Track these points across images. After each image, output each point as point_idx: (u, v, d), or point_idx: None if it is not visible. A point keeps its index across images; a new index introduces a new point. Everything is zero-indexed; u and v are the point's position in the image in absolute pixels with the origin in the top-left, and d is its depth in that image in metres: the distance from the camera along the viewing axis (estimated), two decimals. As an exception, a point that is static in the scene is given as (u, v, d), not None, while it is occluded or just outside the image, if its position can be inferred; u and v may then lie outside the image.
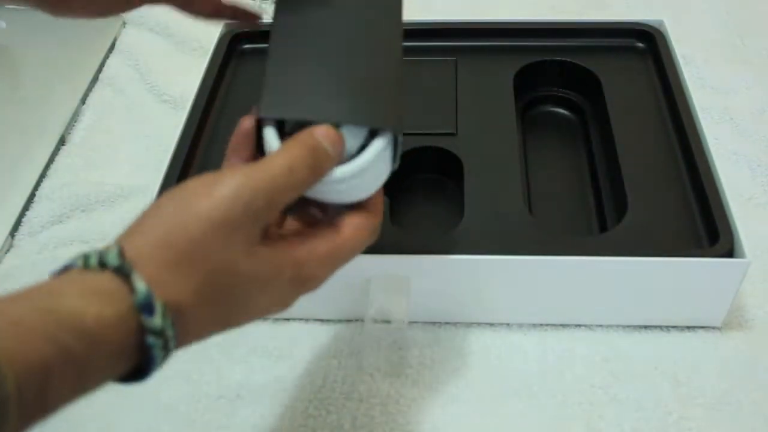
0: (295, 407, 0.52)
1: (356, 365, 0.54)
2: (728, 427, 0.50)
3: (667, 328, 0.56)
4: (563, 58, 0.69)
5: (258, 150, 0.41)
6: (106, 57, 0.84)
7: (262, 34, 0.72)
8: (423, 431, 0.51)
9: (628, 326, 0.56)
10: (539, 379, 0.53)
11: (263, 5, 0.88)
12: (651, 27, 0.70)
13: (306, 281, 0.39)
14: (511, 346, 0.55)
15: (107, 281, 0.32)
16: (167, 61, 0.83)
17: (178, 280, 0.33)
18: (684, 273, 0.52)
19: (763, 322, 0.57)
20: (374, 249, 0.53)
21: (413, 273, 0.53)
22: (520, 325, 0.56)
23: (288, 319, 0.57)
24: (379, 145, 0.41)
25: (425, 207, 0.62)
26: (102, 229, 0.65)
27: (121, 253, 0.32)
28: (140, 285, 0.32)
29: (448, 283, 0.54)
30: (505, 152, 0.61)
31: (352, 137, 0.41)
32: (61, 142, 0.75)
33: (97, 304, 0.31)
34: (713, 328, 0.56)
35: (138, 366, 0.33)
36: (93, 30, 0.86)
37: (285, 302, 0.39)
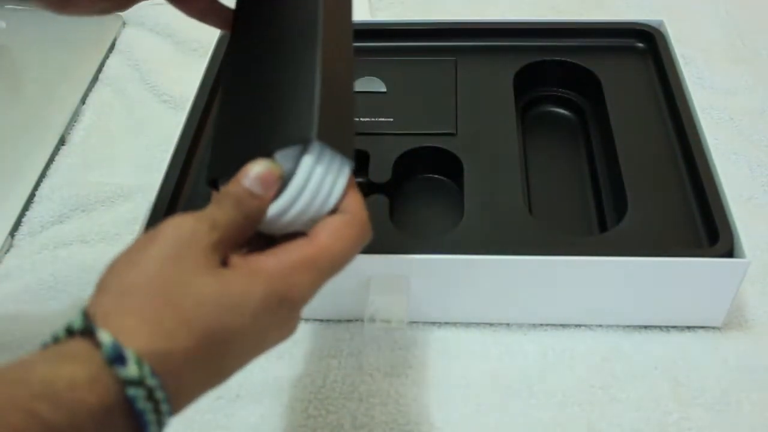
0: (294, 407, 0.52)
1: (356, 365, 0.54)
2: (728, 427, 0.50)
3: (667, 328, 0.56)
4: (563, 58, 0.69)
5: None
6: (106, 57, 0.84)
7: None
8: (423, 431, 0.51)
9: (628, 326, 0.56)
10: (539, 379, 0.53)
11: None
12: (651, 27, 0.70)
13: (285, 295, 0.36)
14: (511, 346, 0.55)
15: (76, 345, 0.30)
16: (167, 61, 0.83)
17: (147, 325, 0.31)
18: (684, 273, 0.52)
19: (763, 322, 0.57)
20: (374, 249, 0.54)
21: (413, 273, 0.53)
22: (520, 325, 0.56)
23: (288, 319, 0.57)
24: (308, 162, 0.38)
25: (425, 207, 0.62)
26: (102, 230, 0.65)
27: (85, 315, 0.31)
28: (105, 337, 0.30)
29: (448, 283, 0.54)
30: (505, 152, 0.61)
31: (287, 162, 0.39)
32: (61, 142, 0.75)
33: (68, 367, 0.29)
34: (713, 328, 0.56)
35: None
36: (93, 30, 0.86)
37: (274, 327, 0.37)
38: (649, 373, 0.53)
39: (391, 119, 0.64)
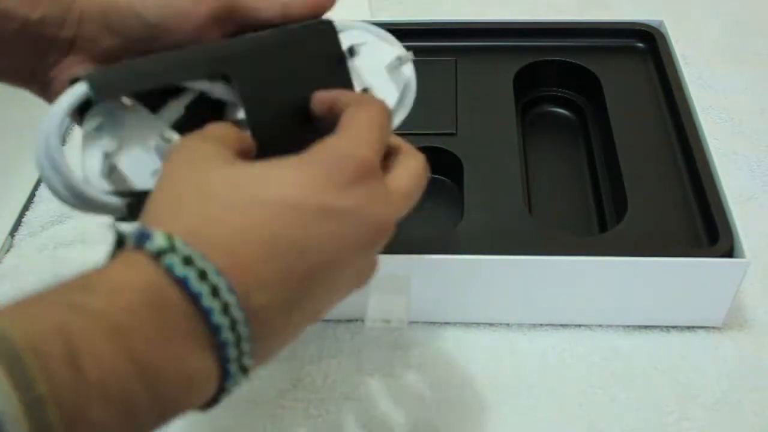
0: (295, 407, 0.52)
1: (356, 365, 0.54)
2: (728, 427, 0.50)
3: (667, 328, 0.56)
4: (563, 58, 0.69)
5: None
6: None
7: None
8: (423, 431, 0.51)
9: (628, 326, 0.56)
10: (539, 379, 0.53)
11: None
12: (651, 27, 0.70)
13: (357, 170, 0.32)
14: (511, 346, 0.55)
15: (126, 256, 0.28)
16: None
17: (198, 226, 0.28)
18: (684, 273, 0.52)
19: (763, 322, 0.57)
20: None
21: (413, 273, 0.53)
22: (520, 325, 0.56)
23: (288, 319, 0.57)
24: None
25: (425, 207, 0.62)
26: (102, 230, 0.65)
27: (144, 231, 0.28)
28: (158, 236, 0.27)
29: (448, 283, 0.54)
30: (505, 152, 0.61)
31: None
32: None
33: (112, 267, 0.27)
34: (713, 328, 0.56)
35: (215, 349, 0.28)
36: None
37: (355, 233, 0.32)
38: (649, 373, 0.53)
39: (391, 119, 0.64)
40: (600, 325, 0.56)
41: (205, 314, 0.27)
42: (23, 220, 0.67)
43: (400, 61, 0.45)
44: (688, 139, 0.59)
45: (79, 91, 0.35)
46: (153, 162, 0.37)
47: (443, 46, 0.71)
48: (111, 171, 0.37)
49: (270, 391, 0.53)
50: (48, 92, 0.43)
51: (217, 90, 0.39)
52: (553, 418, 0.51)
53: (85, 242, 0.65)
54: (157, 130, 0.37)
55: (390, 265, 0.53)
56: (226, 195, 0.30)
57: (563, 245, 0.54)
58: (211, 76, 0.39)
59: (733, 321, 0.56)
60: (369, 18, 0.85)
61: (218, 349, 0.28)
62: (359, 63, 0.45)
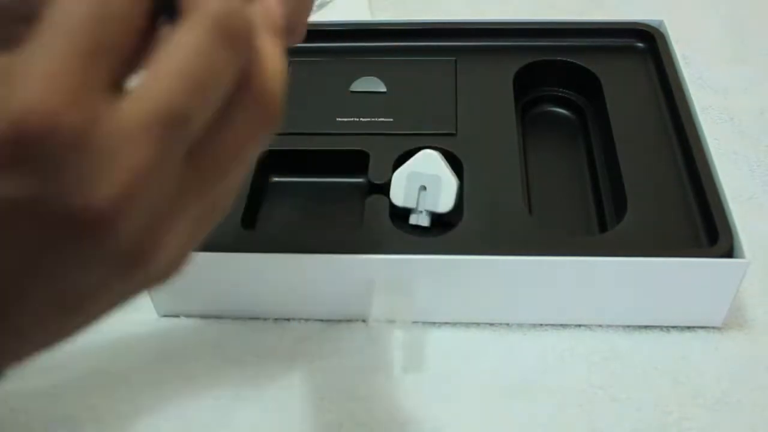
0: (295, 407, 0.52)
1: (356, 365, 0.54)
2: (728, 427, 0.50)
3: (667, 328, 0.56)
4: (563, 58, 0.69)
5: None
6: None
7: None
8: (423, 431, 0.51)
9: (628, 326, 0.56)
10: (539, 379, 0.53)
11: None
12: (651, 27, 0.70)
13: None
14: (511, 346, 0.55)
15: None
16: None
17: None
18: (684, 273, 0.52)
19: (763, 322, 0.57)
20: (375, 249, 0.54)
21: (413, 273, 0.53)
22: (520, 325, 0.56)
23: (288, 320, 0.57)
24: None
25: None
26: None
27: None
28: None
29: (448, 283, 0.54)
30: (505, 152, 0.61)
31: None
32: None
33: None
34: (713, 328, 0.56)
35: None
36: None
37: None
38: (649, 373, 0.53)
39: (391, 119, 0.64)
40: (600, 325, 0.56)
41: None
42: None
43: None
44: (688, 139, 0.59)
45: None
46: None
47: (443, 46, 0.71)
48: None
49: (271, 390, 0.53)
50: None
51: None
52: (553, 418, 0.51)
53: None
54: None
55: (390, 265, 0.53)
56: None
57: (563, 245, 0.54)
58: None
59: (733, 321, 0.56)
60: (369, 18, 0.85)
61: None
62: None
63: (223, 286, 0.56)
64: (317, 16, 0.85)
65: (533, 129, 0.68)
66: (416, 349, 0.55)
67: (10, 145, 0.19)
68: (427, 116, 0.64)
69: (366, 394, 0.53)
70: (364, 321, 0.57)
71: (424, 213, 0.58)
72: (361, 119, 0.64)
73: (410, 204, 0.58)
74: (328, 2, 0.86)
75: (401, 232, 0.56)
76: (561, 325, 0.56)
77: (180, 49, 0.21)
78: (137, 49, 0.22)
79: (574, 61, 0.69)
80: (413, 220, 0.58)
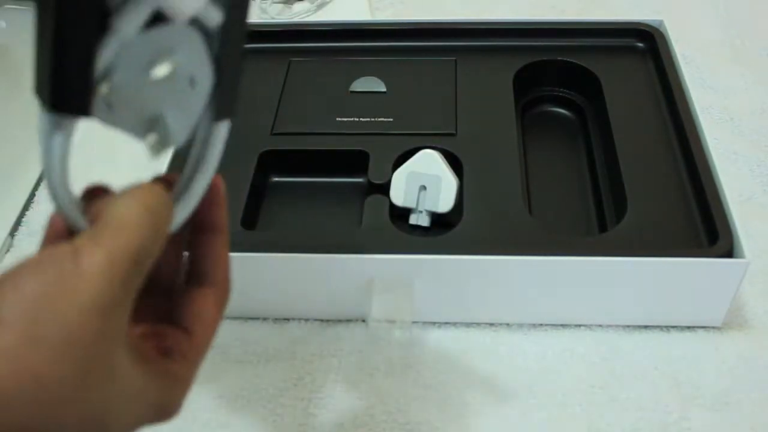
0: (295, 407, 0.52)
1: (356, 365, 0.54)
2: (728, 427, 0.50)
3: (667, 328, 0.56)
4: (563, 58, 0.69)
5: None
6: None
7: (262, 33, 0.72)
8: (423, 431, 0.51)
9: (628, 326, 0.56)
10: (539, 379, 0.53)
11: (263, 5, 0.88)
12: (651, 27, 0.70)
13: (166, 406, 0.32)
14: (511, 346, 0.55)
15: None
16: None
17: (42, 356, 0.26)
18: (684, 273, 0.52)
19: (763, 322, 0.57)
20: (375, 249, 0.54)
21: (413, 273, 0.53)
22: (520, 325, 0.56)
23: (288, 319, 0.57)
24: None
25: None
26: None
27: None
28: None
29: (448, 283, 0.54)
30: (505, 152, 0.61)
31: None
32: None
33: None
34: (713, 328, 0.56)
35: None
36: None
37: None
38: (649, 373, 0.53)
39: (391, 119, 0.64)
40: (600, 325, 0.56)
41: None
42: (23, 220, 0.67)
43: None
44: (688, 139, 0.59)
45: None
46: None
47: (443, 46, 0.71)
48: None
49: (271, 390, 0.53)
50: None
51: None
52: (553, 418, 0.51)
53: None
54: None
55: (390, 265, 0.53)
56: None
57: (563, 245, 0.54)
58: None
59: (733, 321, 0.56)
60: (369, 18, 0.85)
61: None
62: None
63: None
64: (317, 16, 0.85)
65: (533, 129, 0.68)
66: (416, 349, 0.55)
67: None
68: (427, 116, 0.64)
69: (366, 394, 0.53)
70: (364, 321, 0.57)
71: (424, 213, 0.58)
72: (361, 119, 0.64)
73: (410, 204, 0.58)
74: (328, 2, 0.86)
75: (401, 232, 0.56)
76: (561, 325, 0.56)
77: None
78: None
79: (574, 61, 0.69)
80: (413, 220, 0.58)
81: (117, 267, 0.28)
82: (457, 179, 0.58)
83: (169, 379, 0.32)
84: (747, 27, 0.85)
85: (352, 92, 0.67)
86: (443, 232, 0.56)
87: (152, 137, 0.32)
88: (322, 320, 0.57)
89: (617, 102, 0.65)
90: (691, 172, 0.58)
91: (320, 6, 0.86)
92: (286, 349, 0.56)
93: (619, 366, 0.54)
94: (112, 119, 0.31)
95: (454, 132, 0.63)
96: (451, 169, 0.58)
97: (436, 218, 0.58)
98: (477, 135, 0.62)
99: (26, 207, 0.68)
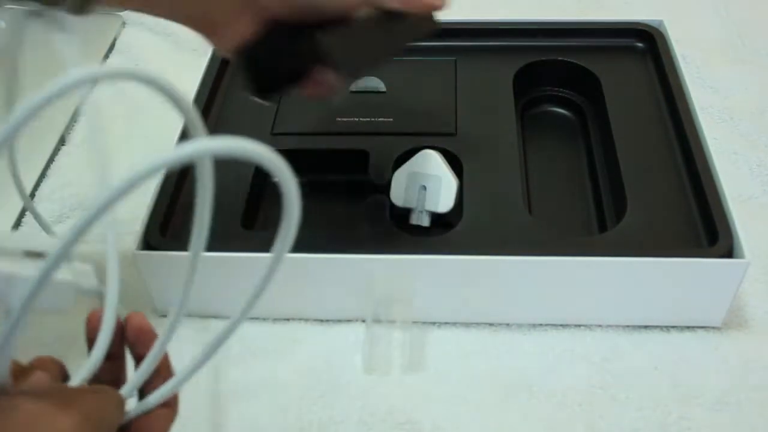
0: (295, 406, 0.52)
1: (356, 365, 0.54)
2: (728, 427, 0.50)
3: (667, 328, 0.56)
4: (563, 58, 0.69)
5: None
6: (106, 57, 0.84)
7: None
8: (423, 431, 0.51)
9: (628, 326, 0.56)
10: (539, 379, 0.53)
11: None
12: (651, 27, 0.70)
13: None
14: (511, 346, 0.55)
15: None
16: (167, 61, 0.83)
17: None
18: (684, 273, 0.52)
19: (763, 322, 0.57)
20: (375, 249, 0.54)
21: (413, 273, 0.53)
22: (520, 325, 0.56)
23: (288, 320, 0.57)
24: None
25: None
26: (102, 230, 0.65)
27: None
28: None
29: (448, 283, 0.54)
30: (505, 152, 0.61)
31: None
32: (61, 142, 0.74)
33: None
34: (713, 328, 0.56)
35: None
36: (93, 30, 0.86)
37: None
38: (649, 373, 0.53)
39: (391, 119, 0.64)
40: (600, 325, 0.56)
41: None
42: (23, 220, 0.67)
43: None
44: (688, 139, 0.59)
45: None
46: None
47: (443, 46, 0.71)
48: None
49: (270, 390, 0.53)
50: (216, 38, 0.48)
51: None
52: (553, 418, 0.51)
53: (84, 242, 0.65)
54: None
55: (390, 265, 0.53)
56: None
57: (563, 245, 0.54)
58: None
59: (733, 321, 0.56)
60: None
61: None
62: None
63: (223, 286, 0.56)
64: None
65: (533, 129, 0.68)
66: (416, 349, 0.55)
67: None
68: (427, 116, 0.64)
69: (365, 393, 0.53)
70: (364, 321, 0.57)
71: (424, 213, 0.58)
72: (361, 119, 0.64)
73: (410, 204, 0.58)
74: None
75: (401, 232, 0.56)
76: (561, 325, 0.56)
77: None
78: None
79: (574, 61, 0.69)
80: (413, 220, 0.58)
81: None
82: (457, 179, 0.58)
83: None
84: (747, 27, 0.85)
85: (352, 92, 0.67)
86: (443, 232, 0.56)
87: None
88: (322, 320, 0.57)
89: (617, 102, 0.65)
90: (691, 172, 0.58)
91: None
92: (286, 349, 0.56)
93: (619, 366, 0.54)
94: None
95: (454, 132, 0.63)
96: (451, 169, 0.58)
97: (436, 218, 0.58)
98: (477, 135, 0.62)
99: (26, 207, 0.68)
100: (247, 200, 0.58)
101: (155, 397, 0.35)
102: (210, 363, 0.55)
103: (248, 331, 0.56)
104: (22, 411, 0.29)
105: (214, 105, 0.66)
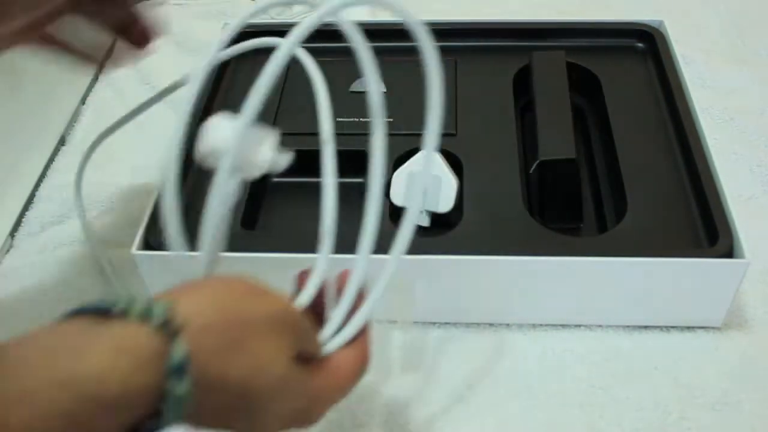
0: (295, 407, 0.52)
1: (356, 365, 0.54)
2: (728, 427, 0.50)
3: (667, 328, 0.56)
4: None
5: None
6: (106, 57, 0.84)
7: (262, 34, 0.72)
8: (423, 431, 0.50)
9: (628, 326, 0.56)
10: (539, 379, 0.53)
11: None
12: (651, 27, 0.70)
13: (310, 412, 0.39)
14: (511, 346, 0.55)
15: (145, 338, 0.29)
16: (167, 61, 0.83)
17: (221, 360, 0.31)
18: (684, 273, 0.52)
19: (763, 322, 0.57)
20: (375, 249, 0.54)
21: (413, 273, 0.53)
22: (520, 325, 0.56)
23: (288, 319, 0.57)
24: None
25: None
26: (102, 230, 0.65)
27: (170, 310, 0.30)
28: (180, 348, 0.29)
29: (448, 283, 0.54)
30: (505, 152, 0.61)
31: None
32: (61, 142, 0.75)
33: (125, 365, 0.28)
34: (713, 328, 0.56)
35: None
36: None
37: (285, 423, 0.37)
38: (649, 373, 0.53)
39: (391, 119, 0.64)
40: (600, 325, 0.56)
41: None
42: (23, 220, 0.67)
43: None
44: (688, 139, 0.59)
45: None
46: None
47: (443, 46, 0.70)
48: None
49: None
50: None
51: None
52: (553, 418, 0.51)
53: (84, 243, 0.65)
54: None
55: (392, 265, 0.53)
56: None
57: (563, 245, 0.54)
58: None
59: (733, 321, 0.56)
60: (369, 18, 0.85)
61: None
62: None
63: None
64: (317, 16, 0.84)
65: (533, 129, 0.67)
66: (416, 349, 0.55)
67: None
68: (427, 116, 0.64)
69: (366, 394, 0.53)
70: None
71: (424, 213, 0.58)
72: (361, 119, 0.64)
73: None
74: (328, 2, 0.86)
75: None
76: (561, 325, 0.56)
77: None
78: None
79: (574, 61, 0.69)
80: None
81: (295, 313, 0.39)
82: (457, 179, 0.58)
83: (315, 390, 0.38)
84: (747, 27, 0.85)
85: (352, 92, 0.67)
86: (443, 232, 0.56)
87: None
88: (322, 320, 0.57)
89: (617, 102, 0.65)
90: (691, 172, 0.58)
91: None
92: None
93: (619, 366, 0.54)
94: None
95: (454, 132, 0.63)
96: (451, 169, 0.58)
97: (436, 218, 0.58)
98: (477, 135, 0.62)
99: (26, 207, 0.68)
100: (247, 200, 0.58)
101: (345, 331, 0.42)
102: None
103: (248, 331, 0.56)
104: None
105: (214, 105, 0.66)
